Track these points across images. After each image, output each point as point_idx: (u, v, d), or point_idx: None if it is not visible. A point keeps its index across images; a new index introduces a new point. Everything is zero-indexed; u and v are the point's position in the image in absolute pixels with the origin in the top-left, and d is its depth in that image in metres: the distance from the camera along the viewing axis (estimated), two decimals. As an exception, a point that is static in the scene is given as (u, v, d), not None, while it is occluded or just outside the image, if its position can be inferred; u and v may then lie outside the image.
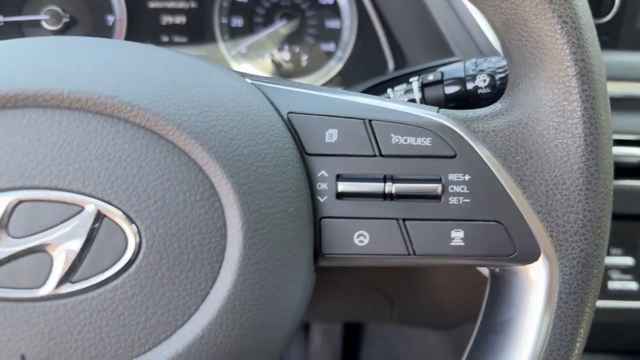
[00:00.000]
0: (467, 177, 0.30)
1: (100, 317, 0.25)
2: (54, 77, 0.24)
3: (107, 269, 0.26)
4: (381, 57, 0.81)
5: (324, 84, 0.82)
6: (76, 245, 0.25)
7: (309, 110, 0.30)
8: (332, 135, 0.29)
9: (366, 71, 0.82)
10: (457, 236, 0.30)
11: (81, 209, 0.25)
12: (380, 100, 0.30)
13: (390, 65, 0.80)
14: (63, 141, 0.25)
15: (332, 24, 0.82)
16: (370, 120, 0.29)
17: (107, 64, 0.26)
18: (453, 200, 0.30)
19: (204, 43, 0.80)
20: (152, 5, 0.79)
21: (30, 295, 0.25)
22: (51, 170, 0.25)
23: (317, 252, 0.30)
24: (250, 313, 0.26)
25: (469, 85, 0.44)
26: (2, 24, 0.77)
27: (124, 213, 0.26)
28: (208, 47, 0.80)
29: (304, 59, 0.82)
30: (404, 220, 0.30)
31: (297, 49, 0.82)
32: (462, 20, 0.67)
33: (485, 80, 0.44)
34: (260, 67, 0.81)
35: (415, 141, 0.29)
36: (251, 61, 0.81)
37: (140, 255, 0.26)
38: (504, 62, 0.45)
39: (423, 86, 0.45)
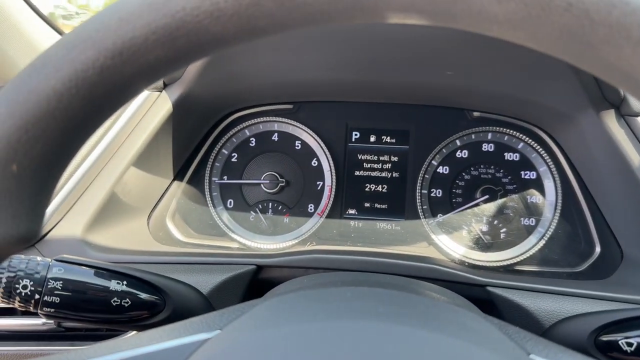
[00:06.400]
0: None
1: None
2: None
3: None
4: (588, 238, 0.77)
5: (523, 260, 0.79)
6: None
7: None
8: None
9: (569, 251, 0.78)
10: None
11: None
12: None
13: (597, 248, 0.75)
14: None
15: (534, 199, 0.80)
16: None
17: None
18: None
19: (402, 211, 0.82)
20: (357, 173, 0.84)
21: None
22: None
23: None
24: None
25: None
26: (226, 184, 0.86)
27: None
28: (407, 215, 0.82)
29: (503, 232, 0.80)
30: None
31: (496, 222, 0.80)
32: None
33: None
34: (457, 238, 0.80)
35: None
36: (448, 233, 0.80)
37: None
38: None
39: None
